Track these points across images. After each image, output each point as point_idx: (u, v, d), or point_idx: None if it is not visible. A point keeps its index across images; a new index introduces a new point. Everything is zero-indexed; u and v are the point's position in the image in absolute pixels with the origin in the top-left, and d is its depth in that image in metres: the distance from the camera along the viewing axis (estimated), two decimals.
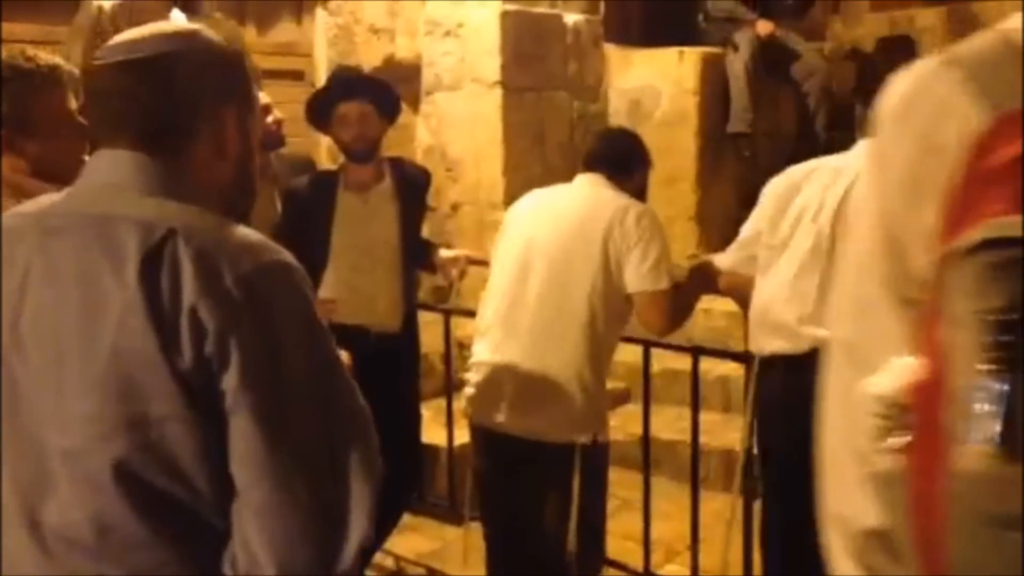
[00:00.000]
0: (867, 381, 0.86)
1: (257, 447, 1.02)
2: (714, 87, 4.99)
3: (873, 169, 0.90)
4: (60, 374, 1.04)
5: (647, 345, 2.97)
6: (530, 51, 4.67)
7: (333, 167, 3.27)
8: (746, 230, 2.58)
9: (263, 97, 3.35)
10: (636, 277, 2.43)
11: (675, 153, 4.86)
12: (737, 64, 4.99)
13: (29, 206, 1.17)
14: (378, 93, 3.07)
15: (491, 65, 4.56)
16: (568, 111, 4.91)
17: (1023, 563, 0.72)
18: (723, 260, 2.65)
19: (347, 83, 3.13)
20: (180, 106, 1.12)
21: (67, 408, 1.04)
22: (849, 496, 0.92)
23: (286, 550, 1.02)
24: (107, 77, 1.12)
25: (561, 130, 4.87)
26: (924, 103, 0.84)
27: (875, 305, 0.89)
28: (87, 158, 1.20)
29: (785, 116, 5.38)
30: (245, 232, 1.09)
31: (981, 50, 0.84)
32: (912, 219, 0.83)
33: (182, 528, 1.05)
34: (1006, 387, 0.72)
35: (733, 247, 2.63)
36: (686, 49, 5.03)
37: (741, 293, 2.58)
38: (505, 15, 4.54)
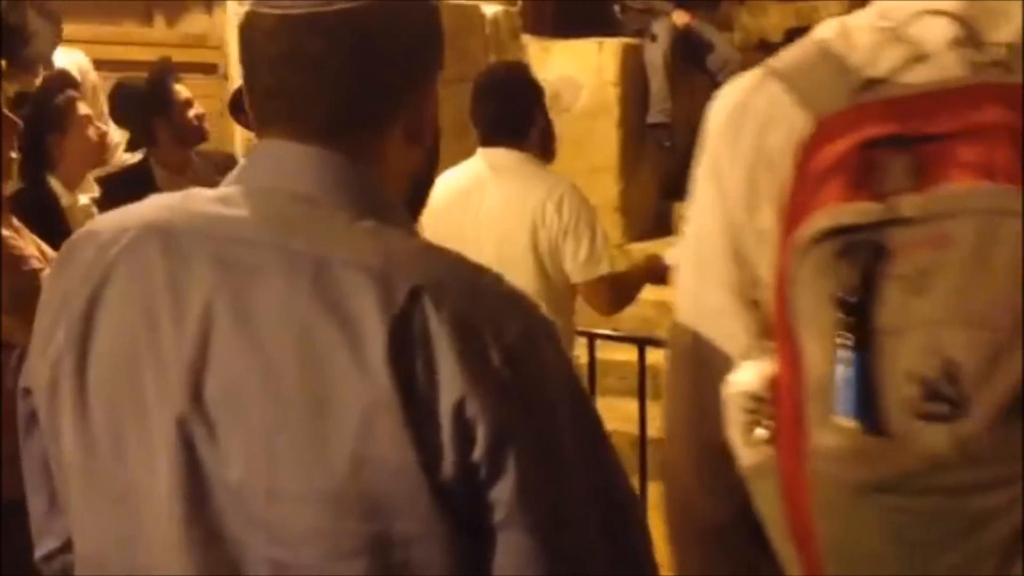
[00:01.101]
0: (729, 379, 0.90)
1: (532, 568, 0.77)
2: (634, 78, 5.02)
3: (708, 182, 0.93)
4: (272, 471, 0.77)
5: (592, 337, 2.97)
6: (450, 43, 4.58)
7: None
8: None
9: (184, 91, 3.23)
10: (574, 268, 2.41)
11: (597, 144, 4.87)
12: (655, 54, 5.03)
13: (174, 208, 0.85)
14: None
15: None
16: None
17: (888, 524, 0.79)
18: (674, 255, 2.64)
19: None
20: (382, 82, 0.84)
21: (282, 514, 0.78)
22: (694, 493, 0.98)
23: None
24: (282, 38, 0.81)
25: None
26: (751, 115, 0.89)
27: (721, 311, 0.92)
28: (252, 148, 0.92)
29: (701, 106, 5.42)
30: (490, 274, 0.83)
31: (799, 60, 0.89)
32: (752, 225, 0.88)
33: None
34: (855, 364, 0.77)
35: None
36: (605, 40, 5.05)
37: None
38: None
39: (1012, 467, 0.76)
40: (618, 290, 2.49)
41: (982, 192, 0.76)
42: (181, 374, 0.79)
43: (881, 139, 0.79)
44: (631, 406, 3.14)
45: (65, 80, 2.93)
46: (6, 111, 2.09)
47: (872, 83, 0.83)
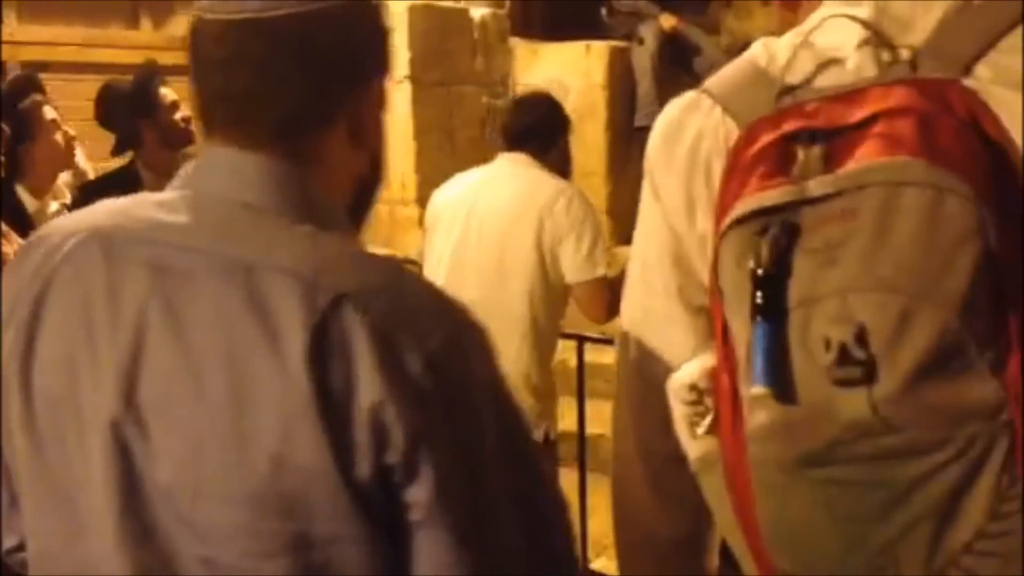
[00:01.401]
0: (672, 376, 0.94)
1: (450, 567, 0.79)
2: (621, 81, 5.03)
3: (650, 195, 0.99)
4: (199, 471, 0.79)
5: (581, 340, 2.96)
6: (438, 46, 4.62)
7: None
8: None
9: (171, 94, 3.22)
10: (572, 266, 2.42)
11: (585, 147, 4.86)
12: (643, 58, 5.04)
13: (116, 213, 0.87)
14: None
15: (400, 60, 4.48)
16: (477, 106, 4.87)
17: (821, 499, 0.80)
18: None
19: None
20: (324, 85, 0.85)
21: (208, 513, 0.80)
22: (642, 506, 1.01)
23: None
24: (227, 42, 0.83)
25: (471, 125, 4.83)
26: (685, 130, 0.95)
27: (666, 318, 0.97)
28: (193, 156, 0.92)
29: None
30: (419, 282, 0.86)
31: (731, 77, 0.96)
32: (691, 232, 0.94)
33: None
34: (768, 334, 0.80)
35: None
36: (593, 43, 5.06)
37: None
38: (413, 9, 4.48)
39: (933, 432, 0.77)
40: (614, 294, 2.50)
41: (885, 166, 0.79)
42: (115, 377, 0.81)
43: (798, 132, 0.84)
44: None
45: (30, 83, 2.85)
46: None
47: (791, 89, 0.88)
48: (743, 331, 0.83)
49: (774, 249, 0.81)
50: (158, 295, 0.81)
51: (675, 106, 0.99)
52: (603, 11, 5.36)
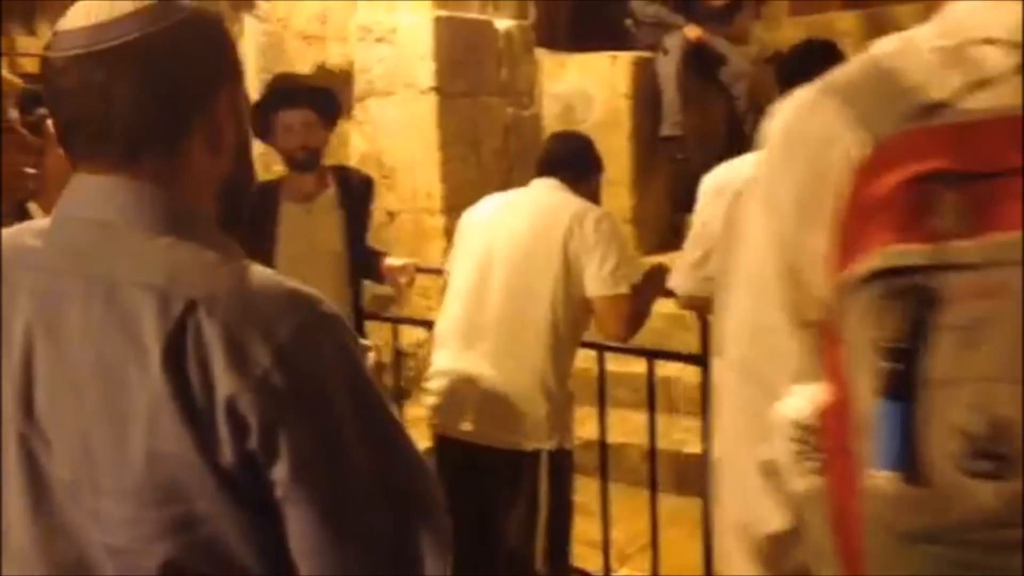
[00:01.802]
0: (780, 405, 0.89)
1: (318, 540, 0.91)
2: (646, 91, 5.03)
3: (763, 197, 0.91)
4: (91, 472, 0.91)
5: (601, 349, 2.97)
6: (463, 57, 4.65)
7: (270, 177, 3.20)
8: (693, 246, 2.57)
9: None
10: (596, 281, 2.43)
11: (609, 157, 4.82)
12: (668, 68, 5.04)
13: (6, 244, 0.99)
14: (320, 100, 3.02)
15: (425, 71, 4.52)
16: (502, 117, 4.90)
17: (933, 570, 0.76)
18: (680, 286, 2.63)
19: (288, 91, 3.08)
20: (169, 102, 0.93)
21: (104, 508, 0.91)
22: (753, 504, 0.96)
23: None
24: (71, 75, 0.91)
25: (496, 136, 4.85)
26: (807, 133, 0.86)
27: (774, 330, 0.90)
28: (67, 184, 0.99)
29: (714, 119, 5.45)
30: (269, 280, 0.93)
31: (855, 77, 0.85)
32: (805, 244, 0.85)
33: None
34: (898, 415, 0.74)
35: (685, 269, 2.61)
36: (618, 54, 5.07)
37: (702, 311, 2.61)
38: (438, 21, 4.51)
39: None
40: (633, 310, 2.52)
41: None
42: (14, 391, 0.93)
43: (933, 174, 0.74)
44: (641, 418, 3.14)
45: (35, 99, 2.83)
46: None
47: (930, 108, 0.78)
48: (866, 394, 0.77)
49: (908, 320, 0.73)
50: (38, 316, 0.92)
51: (794, 107, 0.89)
52: (628, 22, 5.36)
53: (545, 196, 2.58)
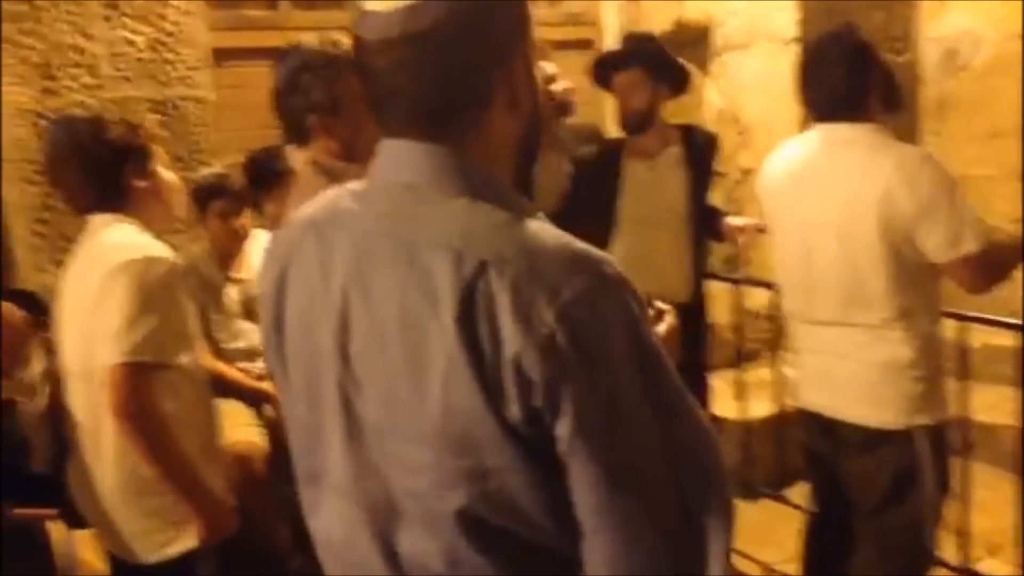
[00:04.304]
0: None
1: (600, 495, 0.93)
2: None
3: None
4: (395, 418, 0.98)
5: (966, 320, 2.68)
6: (829, 3, 4.36)
7: (619, 135, 3.22)
8: None
9: (549, 67, 3.38)
10: (933, 247, 2.12)
11: (998, 105, 4.37)
12: None
13: (325, 208, 1.08)
14: (652, 61, 2.98)
15: (787, 20, 4.31)
16: None
17: None
18: None
19: (622, 52, 3.09)
20: (472, 75, 0.98)
21: (407, 453, 0.98)
22: None
23: None
24: (383, 55, 0.98)
25: None
26: None
27: None
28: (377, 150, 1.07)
29: None
30: (557, 241, 0.95)
31: None
32: None
33: (531, 560, 0.99)
34: None
35: None
36: None
37: None
38: None
39: None
40: (986, 268, 2.18)
41: None
42: (334, 342, 1.02)
43: None
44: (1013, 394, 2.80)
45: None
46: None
47: None
48: None
49: None
50: (353, 273, 1.01)
51: None
52: None
53: (840, 157, 2.24)
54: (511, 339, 0.90)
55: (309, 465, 1.11)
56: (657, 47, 3.09)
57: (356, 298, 1.00)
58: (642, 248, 2.99)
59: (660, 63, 2.99)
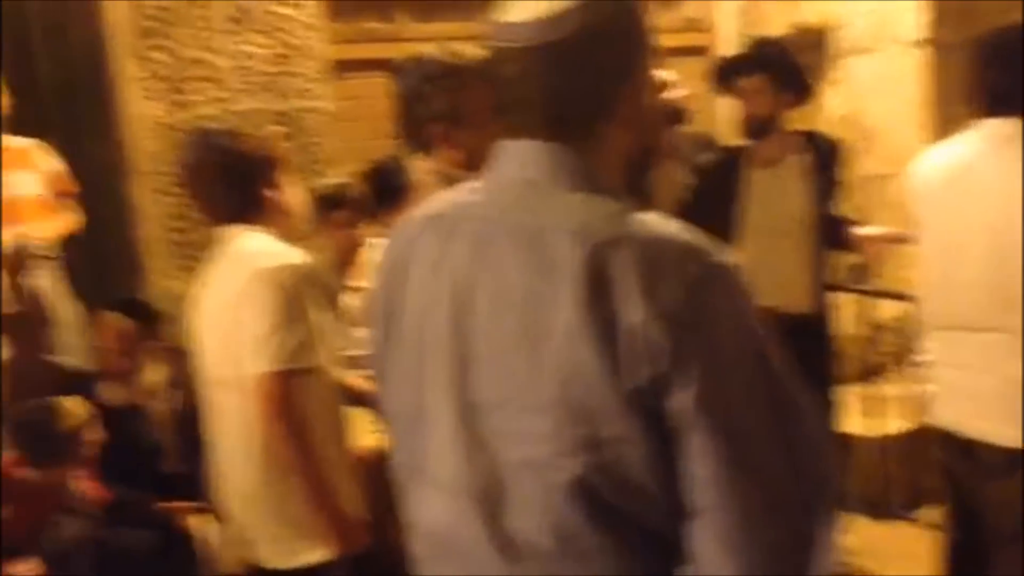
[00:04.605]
0: None
1: (718, 470, 0.95)
2: None
3: None
4: (515, 391, 1.02)
5: None
6: (963, 2, 4.18)
7: (739, 142, 3.15)
8: None
9: (663, 73, 3.33)
10: None
11: None
12: None
13: (444, 202, 1.15)
14: (777, 68, 2.91)
15: (914, 22, 4.15)
16: None
17: None
18: None
19: (746, 56, 3.03)
20: (595, 88, 1.05)
21: (522, 425, 1.02)
22: None
23: None
24: (514, 64, 1.05)
25: None
26: None
27: None
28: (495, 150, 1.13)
29: None
30: (671, 227, 1.00)
31: None
32: None
33: (638, 540, 1.01)
34: None
35: None
36: None
37: None
38: None
39: None
40: None
41: None
42: (450, 321, 1.07)
43: None
44: None
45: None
46: None
47: None
48: None
49: None
50: (475, 256, 1.06)
51: None
52: None
53: (997, 166, 2.16)
54: (634, 311, 0.94)
55: (410, 455, 1.14)
56: (783, 53, 3.02)
57: (476, 282, 1.05)
58: (763, 257, 2.91)
59: (785, 70, 2.91)
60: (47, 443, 2.65)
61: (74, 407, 2.72)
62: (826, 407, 3.04)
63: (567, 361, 0.97)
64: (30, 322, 3.18)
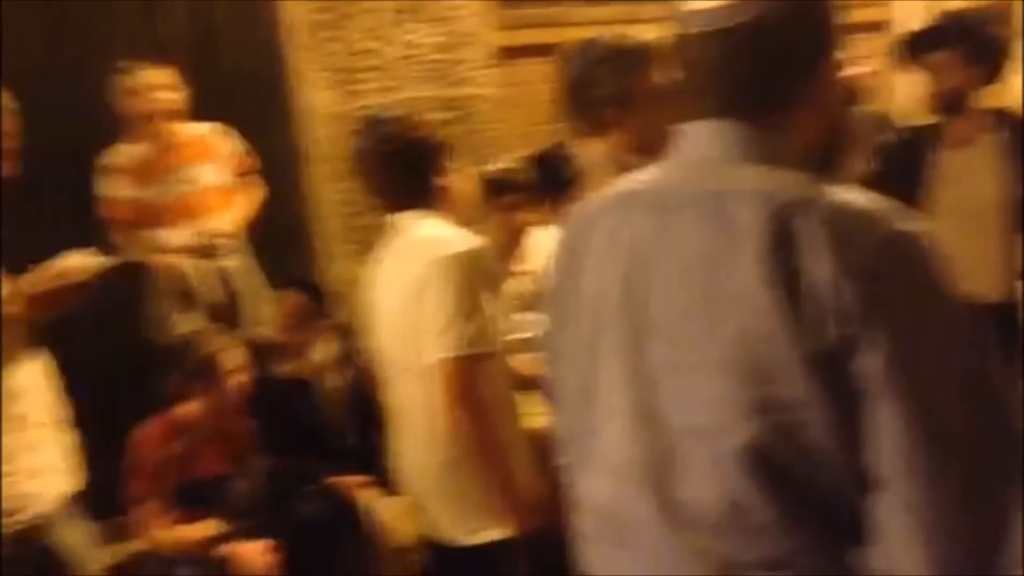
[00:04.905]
0: None
1: (908, 438, 0.90)
2: None
3: None
4: (688, 351, 1.01)
5: None
6: None
7: (924, 121, 2.98)
8: None
9: (841, 52, 3.18)
10: None
11: None
12: None
13: (625, 183, 1.16)
14: (963, 39, 2.72)
15: None
16: None
17: None
18: None
19: (937, 29, 2.85)
20: (777, 72, 1.04)
21: (696, 388, 1.00)
22: None
23: (938, 556, 0.91)
24: (697, 48, 1.06)
25: None
26: None
27: None
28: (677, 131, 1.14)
29: None
30: (866, 198, 0.97)
31: None
32: None
33: (813, 515, 0.97)
34: None
35: None
36: None
37: None
38: None
39: None
40: None
41: None
42: (623, 294, 1.07)
43: None
44: None
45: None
46: None
47: None
48: None
49: None
50: (659, 227, 1.06)
51: None
52: None
53: None
54: (826, 266, 0.91)
55: (578, 434, 1.15)
56: (978, 26, 2.83)
57: (657, 250, 1.05)
58: (954, 242, 2.73)
59: (979, 44, 2.73)
60: (198, 365, 2.74)
61: (219, 337, 2.86)
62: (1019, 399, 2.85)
63: (745, 320, 0.95)
64: (230, 308, 3.38)
